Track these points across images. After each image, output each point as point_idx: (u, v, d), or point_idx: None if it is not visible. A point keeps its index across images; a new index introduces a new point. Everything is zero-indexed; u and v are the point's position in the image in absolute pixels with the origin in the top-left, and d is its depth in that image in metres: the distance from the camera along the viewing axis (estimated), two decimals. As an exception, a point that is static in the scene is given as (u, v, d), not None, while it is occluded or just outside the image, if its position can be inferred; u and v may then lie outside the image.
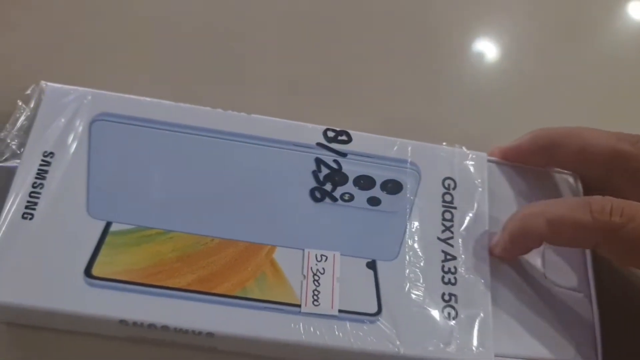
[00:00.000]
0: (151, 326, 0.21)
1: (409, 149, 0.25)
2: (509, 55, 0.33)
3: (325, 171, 0.24)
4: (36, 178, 0.22)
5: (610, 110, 0.32)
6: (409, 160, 0.24)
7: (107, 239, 0.21)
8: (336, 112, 0.29)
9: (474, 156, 0.25)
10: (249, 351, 0.22)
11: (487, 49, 0.34)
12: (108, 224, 0.22)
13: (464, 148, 0.25)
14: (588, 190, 0.26)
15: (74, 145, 0.22)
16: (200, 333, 0.21)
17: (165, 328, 0.21)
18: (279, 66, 0.30)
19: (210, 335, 0.21)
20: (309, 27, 0.32)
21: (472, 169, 0.25)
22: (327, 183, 0.23)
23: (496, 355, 0.22)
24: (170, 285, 0.21)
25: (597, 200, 0.22)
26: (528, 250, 0.24)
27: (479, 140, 0.26)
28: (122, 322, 0.20)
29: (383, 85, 0.31)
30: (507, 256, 0.24)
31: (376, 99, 0.30)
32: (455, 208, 0.24)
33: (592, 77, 0.34)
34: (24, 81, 0.24)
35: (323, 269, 0.22)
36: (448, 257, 0.23)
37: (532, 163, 0.26)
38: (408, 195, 0.24)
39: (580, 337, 0.23)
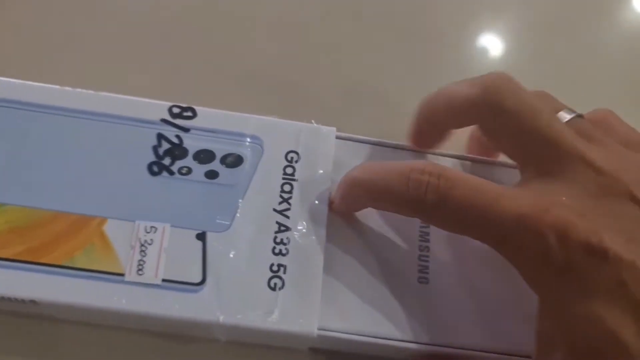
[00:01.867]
0: (-25, 295, 0.21)
1: (254, 124, 0.25)
2: (510, 50, 0.34)
3: (165, 146, 0.24)
4: None
5: (615, 103, 0.32)
6: (252, 134, 0.25)
7: (-58, 212, 0.22)
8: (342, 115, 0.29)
9: (322, 131, 0.25)
10: (80, 319, 0.23)
11: (488, 44, 0.34)
12: (-56, 198, 0.23)
13: (313, 122, 0.26)
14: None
15: None
16: (23, 301, 0.21)
17: (-11, 296, 0.21)
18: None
19: (34, 302, 0.21)
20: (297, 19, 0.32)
21: (318, 143, 0.25)
22: (166, 157, 0.24)
23: (320, 329, 0.22)
24: (-1, 256, 0.22)
25: (416, 172, 0.21)
26: (360, 210, 0.24)
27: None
28: (-52, 291, 0.21)
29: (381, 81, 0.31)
30: (341, 213, 0.24)
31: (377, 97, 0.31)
32: (295, 180, 0.24)
33: (594, 71, 0.33)
34: None
35: (152, 239, 0.23)
36: (282, 228, 0.23)
37: (429, 138, 0.26)
38: (248, 169, 0.24)
39: (417, 315, 0.23)
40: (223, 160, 0.24)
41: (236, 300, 0.22)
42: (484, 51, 0.33)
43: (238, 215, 0.23)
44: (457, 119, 0.25)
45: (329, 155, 0.25)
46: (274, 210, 0.24)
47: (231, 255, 0.23)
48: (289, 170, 0.24)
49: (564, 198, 0.21)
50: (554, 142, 0.21)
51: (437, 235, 0.24)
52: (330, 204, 0.24)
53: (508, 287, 0.24)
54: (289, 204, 0.24)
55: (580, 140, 0.22)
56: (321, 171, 0.24)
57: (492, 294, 0.24)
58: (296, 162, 0.25)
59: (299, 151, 0.25)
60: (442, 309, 0.23)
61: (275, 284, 0.22)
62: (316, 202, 0.24)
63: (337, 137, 0.25)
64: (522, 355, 0.23)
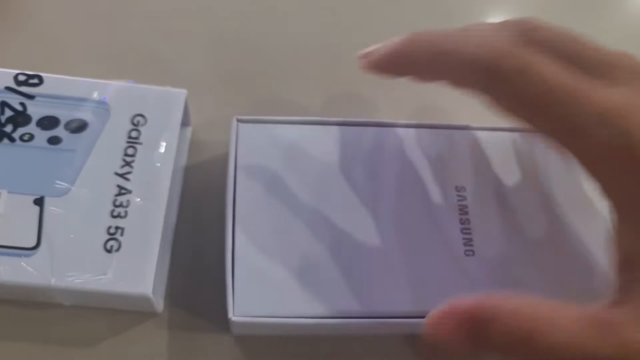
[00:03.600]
0: None
1: (102, 88, 0.25)
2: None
3: (8, 113, 0.24)
4: None
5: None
6: (99, 99, 0.24)
7: None
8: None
9: (172, 94, 0.25)
10: None
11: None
12: None
13: (169, 87, 0.25)
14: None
15: None
16: None
17: None
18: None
19: None
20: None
21: (168, 106, 0.25)
22: (8, 125, 0.24)
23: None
24: None
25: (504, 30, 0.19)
26: (398, 74, 0.22)
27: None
28: None
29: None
30: (376, 71, 0.22)
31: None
32: (140, 143, 0.24)
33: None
34: None
35: (-13, 206, 0.23)
36: (123, 191, 0.23)
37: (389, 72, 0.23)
38: (92, 133, 0.24)
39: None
40: (67, 125, 0.24)
41: (70, 263, 0.22)
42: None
43: (78, 179, 0.23)
44: (453, 78, 0.22)
45: (177, 117, 0.25)
46: (116, 173, 0.23)
47: (68, 219, 0.22)
48: (134, 134, 0.24)
49: None
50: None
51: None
52: (368, 55, 0.22)
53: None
54: (131, 167, 0.24)
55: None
56: (167, 134, 0.24)
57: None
58: (142, 125, 0.24)
59: (146, 114, 0.25)
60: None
61: (111, 246, 0.22)
62: (159, 164, 0.24)
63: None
64: None
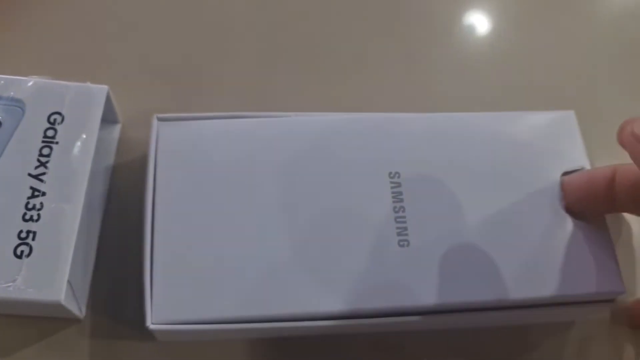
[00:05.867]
0: None
1: (17, 85, 0.23)
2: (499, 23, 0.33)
3: None
4: None
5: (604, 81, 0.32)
6: (12, 96, 0.23)
7: None
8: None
9: (92, 91, 0.24)
10: None
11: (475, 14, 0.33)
12: None
13: (88, 83, 0.24)
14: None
15: None
16: None
17: None
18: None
19: None
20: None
21: (87, 103, 0.24)
22: None
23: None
24: None
25: None
26: None
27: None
28: None
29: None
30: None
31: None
32: (56, 143, 0.23)
33: (582, 51, 0.33)
34: None
35: None
36: (36, 193, 0.22)
37: None
38: (4, 133, 0.23)
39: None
40: (-23, 125, 0.23)
41: (-23, 270, 0.21)
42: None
43: (-12, 182, 0.22)
44: None
45: (97, 115, 0.23)
46: (29, 174, 0.22)
47: (-25, 224, 0.21)
48: (50, 133, 0.23)
49: None
50: None
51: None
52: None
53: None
54: (47, 167, 0.22)
55: None
56: (85, 133, 0.23)
57: None
58: (59, 124, 0.23)
59: (64, 112, 0.23)
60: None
61: (22, 252, 0.21)
62: (76, 165, 0.23)
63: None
64: None
